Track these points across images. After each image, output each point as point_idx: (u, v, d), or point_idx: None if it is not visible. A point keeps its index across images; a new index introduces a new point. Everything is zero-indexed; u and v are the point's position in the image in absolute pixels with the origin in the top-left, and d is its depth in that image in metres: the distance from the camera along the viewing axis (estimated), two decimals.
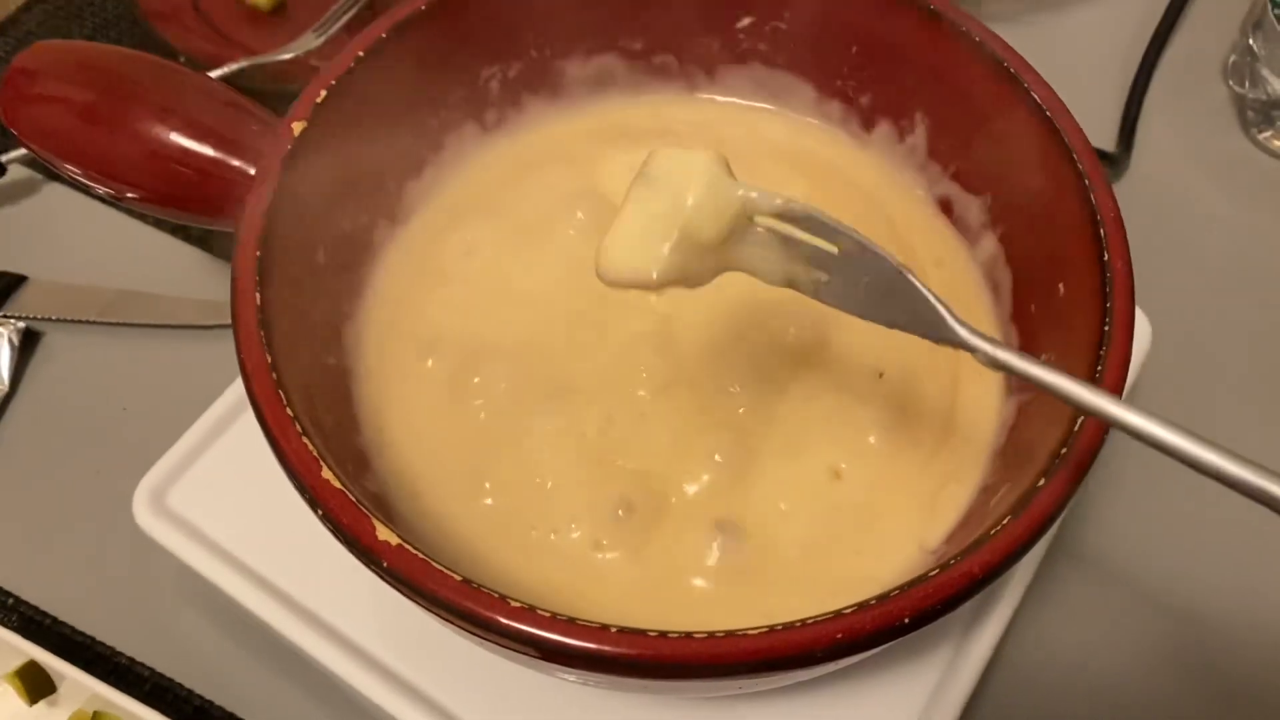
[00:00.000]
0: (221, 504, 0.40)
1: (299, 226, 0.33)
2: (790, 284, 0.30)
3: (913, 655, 0.37)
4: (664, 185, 0.29)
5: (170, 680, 0.41)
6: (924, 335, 0.28)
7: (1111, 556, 0.43)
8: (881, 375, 0.36)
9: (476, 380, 0.36)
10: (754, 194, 0.29)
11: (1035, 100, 0.35)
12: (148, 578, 0.43)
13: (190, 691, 0.41)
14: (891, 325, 0.28)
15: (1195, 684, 0.41)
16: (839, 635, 0.25)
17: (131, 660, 0.42)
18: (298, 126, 0.34)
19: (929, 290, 0.27)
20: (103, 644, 0.42)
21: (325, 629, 0.38)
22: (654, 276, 0.29)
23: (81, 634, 0.42)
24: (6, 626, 0.40)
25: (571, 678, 0.31)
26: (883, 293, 0.28)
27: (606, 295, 0.37)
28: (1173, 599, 0.42)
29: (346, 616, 0.38)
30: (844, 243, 0.28)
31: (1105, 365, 0.29)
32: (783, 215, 0.29)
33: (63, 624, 0.42)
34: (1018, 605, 0.38)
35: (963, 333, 0.27)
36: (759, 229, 0.29)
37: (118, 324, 0.50)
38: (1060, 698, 0.40)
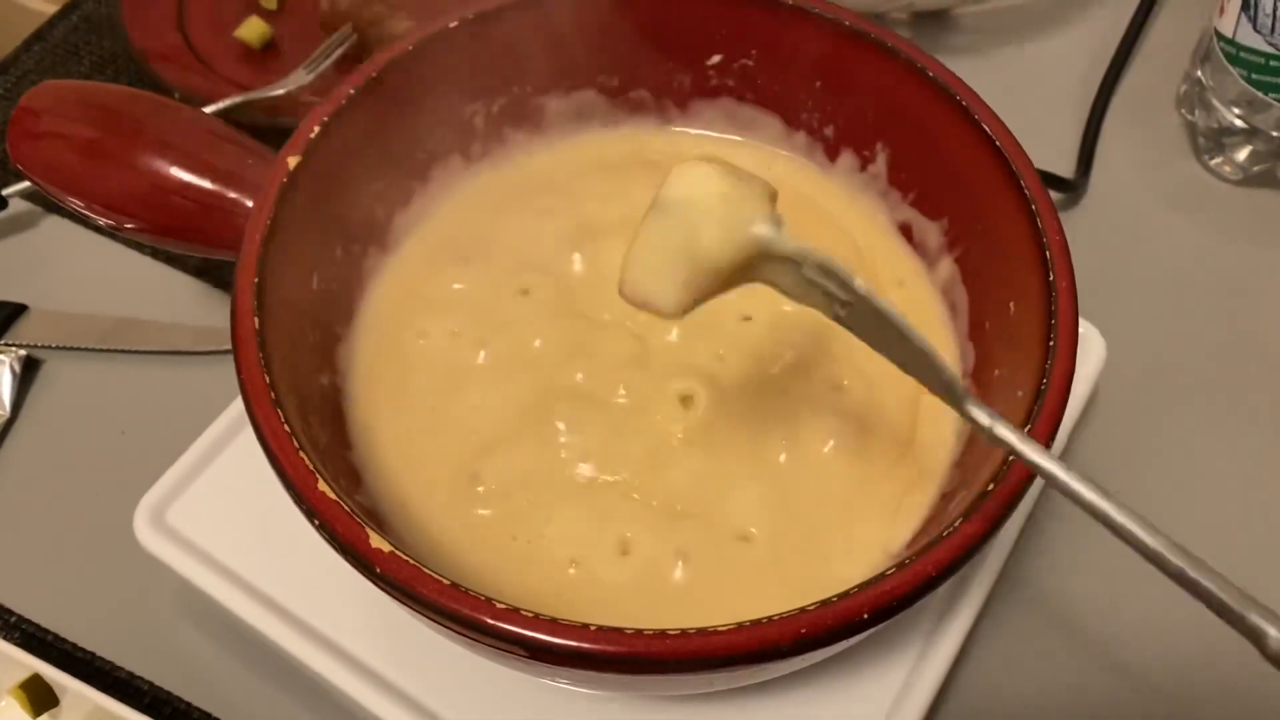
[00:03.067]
0: (220, 520, 0.42)
1: (294, 254, 0.35)
2: (812, 305, 0.30)
3: (877, 661, 0.38)
4: (680, 215, 0.29)
5: (169, 694, 0.43)
6: (932, 390, 0.29)
7: (1064, 588, 0.45)
8: (845, 388, 0.38)
9: (461, 401, 0.38)
10: (769, 234, 0.29)
11: (985, 130, 0.37)
12: (147, 594, 0.44)
13: (190, 705, 0.43)
14: (903, 369, 0.29)
15: (1149, 701, 0.42)
16: (802, 630, 0.27)
17: (131, 675, 0.43)
18: (293, 160, 0.36)
19: (947, 365, 0.28)
20: (103, 659, 0.43)
21: (321, 640, 0.39)
22: (670, 308, 0.29)
23: (82, 650, 0.44)
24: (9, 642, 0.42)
25: (558, 679, 0.33)
26: (897, 341, 0.29)
27: (588, 316, 0.40)
28: (1132, 617, 0.44)
29: (342, 627, 0.39)
30: (857, 300, 0.29)
31: (1050, 379, 0.32)
32: (797, 259, 0.29)
33: (64, 640, 0.44)
34: (977, 616, 0.40)
35: (975, 410, 0.28)
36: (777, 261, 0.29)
37: (116, 351, 0.51)
38: (1020, 708, 0.42)
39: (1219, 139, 0.57)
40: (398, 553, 0.28)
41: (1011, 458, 0.30)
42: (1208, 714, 0.42)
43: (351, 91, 0.38)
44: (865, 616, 0.28)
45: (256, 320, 0.33)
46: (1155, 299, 0.53)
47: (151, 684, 0.43)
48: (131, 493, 0.42)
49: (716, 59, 0.43)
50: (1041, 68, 0.63)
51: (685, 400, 0.38)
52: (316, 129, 0.37)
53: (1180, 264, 0.55)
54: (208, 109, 0.55)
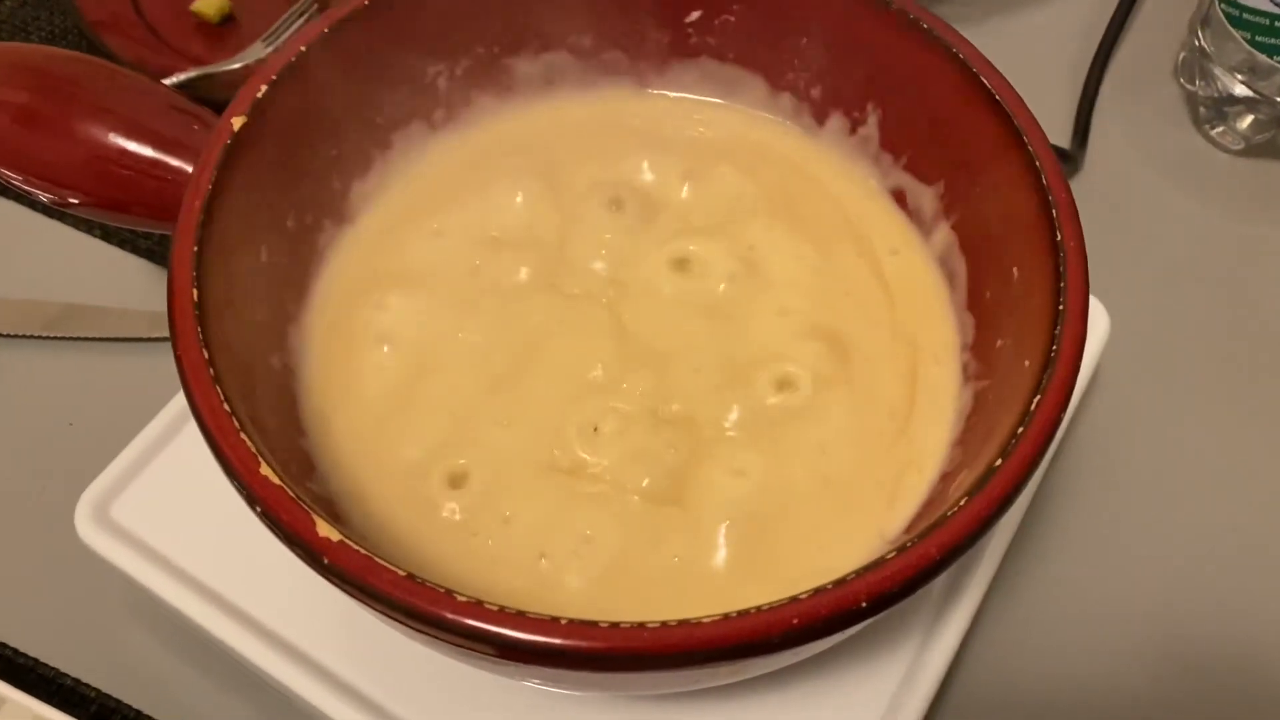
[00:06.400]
0: (168, 516, 0.39)
1: (239, 223, 0.33)
2: None
3: (875, 655, 0.36)
4: None
5: (117, 701, 0.40)
6: None
7: (1071, 572, 0.43)
8: (839, 363, 0.36)
9: (421, 383, 0.35)
10: None
11: (986, 87, 0.34)
12: (93, 596, 0.42)
13: (139, 713, 0.40)
14: None
15: (1156, 688, 0.41)
16: (794, 620, 0.25)
17: (76, 682, 0.40)
18: (237, 121, 0.33)
19: None
20: (46, 666, 0.41)
21: (277, 642, 0.37)
22: None
23: (24, 656, 0.41)
24: None
25: (530, 679, 0.30)
26: None
27: (559, 290, 0.37)
28: (1138, 604, 0.42)
29: (299, 629, 0.37)
30: None
31: (1060, 344, 0.29)
32: None
33: (4, 646, 0.41)
34: (979, 606, 0.38)
35: None
36: None
37: (64, 338, 0.49)
38: (1024, 702, 0.40)
39: (1220, 108, 0.55)
40: (348, 541, 0.26)
41: (1022, 430, 0.28)
42: (1217, 698, 0.40)
43: (302, 49, 0.35)
44: (863, 605, 0.25)
45: (195, 293, 0.30)
46: (1156, 273, 0.52)
47: (98, 691, 0.40)
48: (77, 487, 0.39)
49: (695, 15, 0.40)
50: (1034, 37, 0.61)
51: (662, 378, 0.35)
52: (264, 88, 0.34)
53: (1181, 237, 0.53)
54: (163, 83, 0.52)
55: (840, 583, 0.25)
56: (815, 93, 0.41)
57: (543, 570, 0.32)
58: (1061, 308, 0.30)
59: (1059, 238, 0.31)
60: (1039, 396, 0.28)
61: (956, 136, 0.36)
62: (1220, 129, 0.56)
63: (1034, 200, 0.32)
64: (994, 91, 0.34)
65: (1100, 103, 0.58)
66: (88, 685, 0.40)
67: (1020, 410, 0.28)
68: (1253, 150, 0.56)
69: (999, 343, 0.34)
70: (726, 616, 0.25)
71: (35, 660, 0.41)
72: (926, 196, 0.38)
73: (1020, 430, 0.28)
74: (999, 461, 0.27)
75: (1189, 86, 0.57)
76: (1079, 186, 0.54)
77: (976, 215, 0.36)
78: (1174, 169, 0.56)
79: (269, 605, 0.37)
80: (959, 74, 0.35)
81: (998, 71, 0.35)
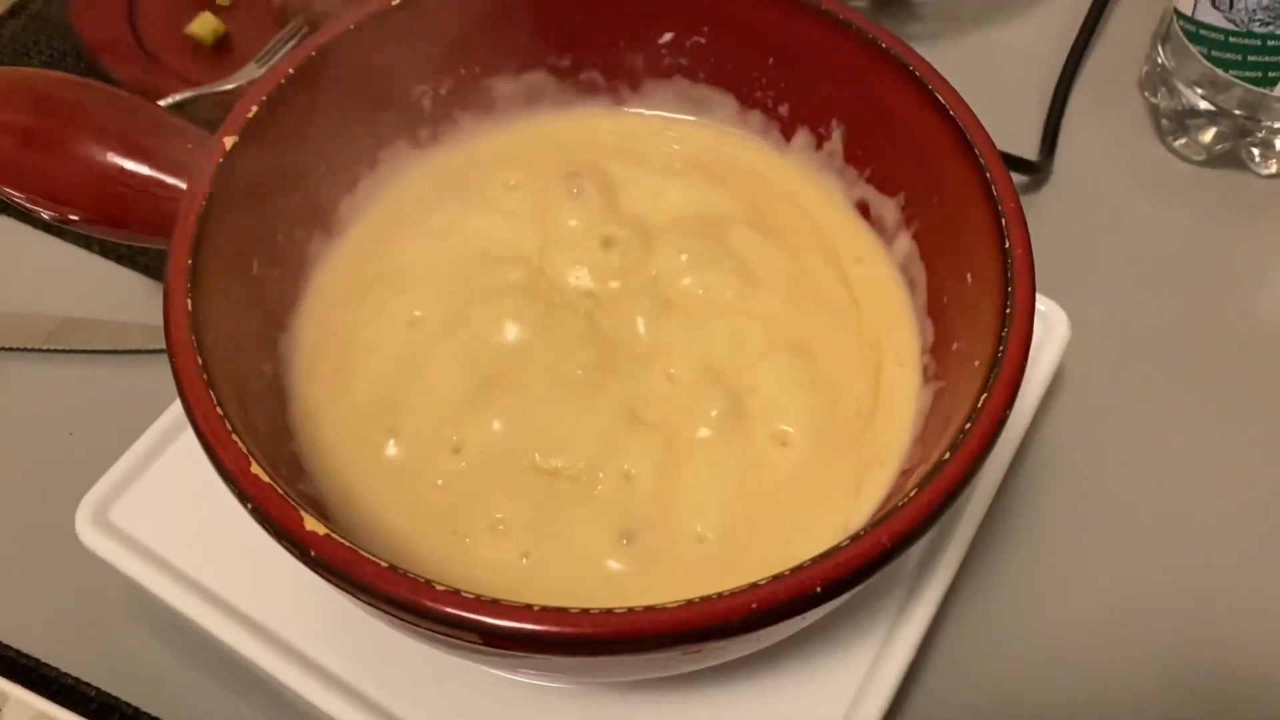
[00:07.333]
0: (167, 518, 0.40)
1: (231, 237, 0.34)
2: None
3: (843, 642, 0.38)
4: None
5: (117, 700, 0.41)
6: None
7: (1038, 556, 0.44)
8: (806, 364, 0.37)
9: (406, 389, 0.37)
10: None
11: (940, 103, 0.36)
12: (94, 597, 0.43)
13: (138, 710, 0.41)
14: None
15: (1121, 681, 0.42)
16: (753, 605, 0.26)
17: (77, 680, 0.42)
18: (229, 141, 0.35)
19: None
20: (48, 665, 0.42)
21: (270, 638, 0.38)
22: None
23: (26, 656, 0.42)
24: None
25: (509, 666, 0.32)
26: None
27: (540, 298, 0.39)
28: (1100, 600, 0.44)
29: (291, 625, 0.38)
30: None
31: (1007, 345, 0.31)
32: None
33: (7, 646, 0.42)
34: (941, 601, 0.39)
35: None
36: None
37: (64, 351, 0.50)
38: (994, 688, 0.41)
39: (1182, 120, 0.57)
40: (333, 535, 0.27)
41: (969, 426, 0.29)
42: (1185, 694, 0.41)
43: (291, 71, 0.37)
44: (817, 590, 0.27)
45: (189, 303, 0.32)
46: (1120, 279, 0.53)
47: (99, 689, 0.42)
48: (77, 493, 0.41)
49: (668, 37, 0.42)
50: (1005, 53, 0.63)
51: (639, 382, 0.37)
52: (254, 109, 0.36)
53: (1144, 245, 0.55)
54: (159, 104, 0.53)
55: (797, 570, 0.27)
56: (783, 110, 0.43)
57: (525, 567, 0.33)
58: (1009, 311, 0.31)
59: (1007, 245, 0.33)
60: (985, 394, 0.30)
61: (914, 151, 0.38)
62: (1183, 141, 0.58)
63: (984, 210, 0.34)
64: (948, 107, 0.36)
65: (1068, 115, 0.60)
66: (88, 684, 0.42)
67: (969, 408, 0.30)
68: (1213, 161, 0.57)
69: (955, 345, 0.36)
70: (690, 602, 0.26)
71: (37, 660, 0.42)
72: (888, 208, 0.40)
73: (968, 426, 0.29)
74: (947, 455, 0.29)
75: (1153, 99, 0.59)
76: (1047, 195, 0.57)
77: (934, 225, 0.38)
78: (1138, 179, 0.57)
79: (262, 603, 0.39)
80: (915, 91, 0.37)
81: (952, 88, 0.36)
